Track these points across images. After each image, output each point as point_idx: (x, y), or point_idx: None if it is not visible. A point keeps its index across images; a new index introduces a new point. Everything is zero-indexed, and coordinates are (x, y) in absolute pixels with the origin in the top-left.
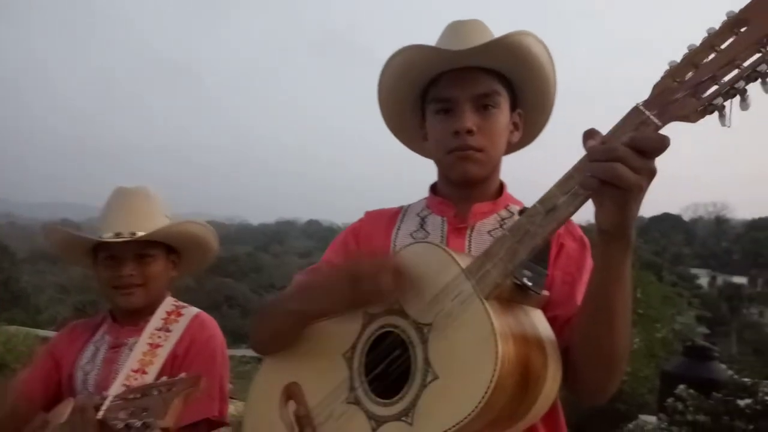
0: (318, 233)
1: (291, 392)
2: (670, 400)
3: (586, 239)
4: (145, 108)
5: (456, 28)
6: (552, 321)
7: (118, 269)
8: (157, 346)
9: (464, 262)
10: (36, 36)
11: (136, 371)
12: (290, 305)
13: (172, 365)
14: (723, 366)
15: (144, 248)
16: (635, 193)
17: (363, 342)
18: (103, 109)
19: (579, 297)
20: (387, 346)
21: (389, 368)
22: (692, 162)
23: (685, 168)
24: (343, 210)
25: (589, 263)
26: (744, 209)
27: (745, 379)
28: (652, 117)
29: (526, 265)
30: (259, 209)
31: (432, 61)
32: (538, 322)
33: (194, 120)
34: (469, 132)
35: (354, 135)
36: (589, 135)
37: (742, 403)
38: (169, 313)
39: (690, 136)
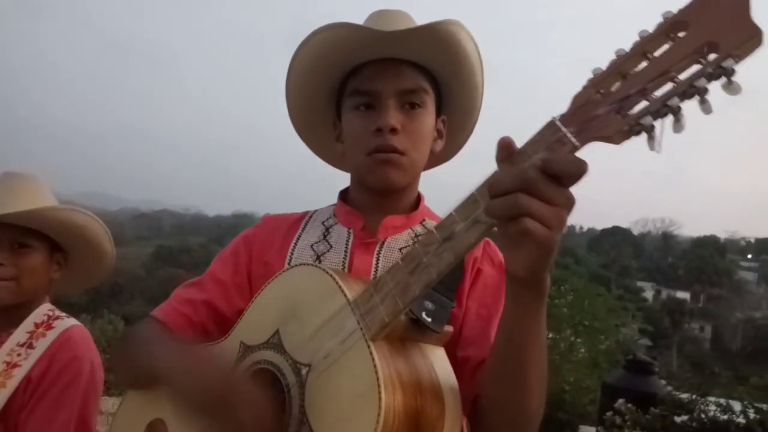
0: None
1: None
2: (609, 413)
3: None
4: (103, 88)
5: (380, 15)
6: (463, 363)
7: None
8: (15, 365)
9: (353, 291)
10: None
11: None
12: (152, 361)
13: (24, 391)
14: (663, 381)
15: (22, 237)
16: (556, 232)
17: None
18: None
19: (493, 334)
20: (261, 386)
21: None
22: (642, 177)
23: (635, 183)
24: (304, 206)
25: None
26: (690, 227)
27: (683, 396)
28: (569, 135)
29: (427, 295)
30: (216, 201)
31: (355, 44)
32: (438, 364)
33: (156, 103)
34: (393, 130)
35: None
36: (505, 150)
37: (678, 419)
38: (38, 325)
39: (641, 152)
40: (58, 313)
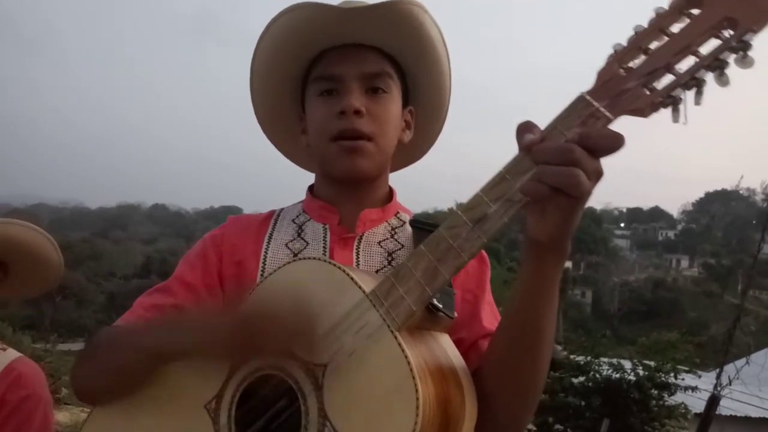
0: (164, 218)
1: None
2: None
3: (484, 253)
4: None
5: (345, 3)
6: (456, 344)
7: None
8: None
9: (367, 284)
10: None
11: None
12: (146, 341)
13: None
14: (559, 347)
15: None
16: (585, 200)
17: (232, 389)
18: None
19: (484, 317)
20: (268, 395)
21: (272, 424)
22: None
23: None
24: (191, 195)
25: (488, 280)
26: None
27: (579, 359)
28: (602, 109)
29: None
30: (98, 192)
31: (316, 25)
32: (450, 349)
33: (29, 89)
34: (357, 113)
35: (204, 120)
36: (526, 128)
37: (576, 381)
38: None
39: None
40: None
